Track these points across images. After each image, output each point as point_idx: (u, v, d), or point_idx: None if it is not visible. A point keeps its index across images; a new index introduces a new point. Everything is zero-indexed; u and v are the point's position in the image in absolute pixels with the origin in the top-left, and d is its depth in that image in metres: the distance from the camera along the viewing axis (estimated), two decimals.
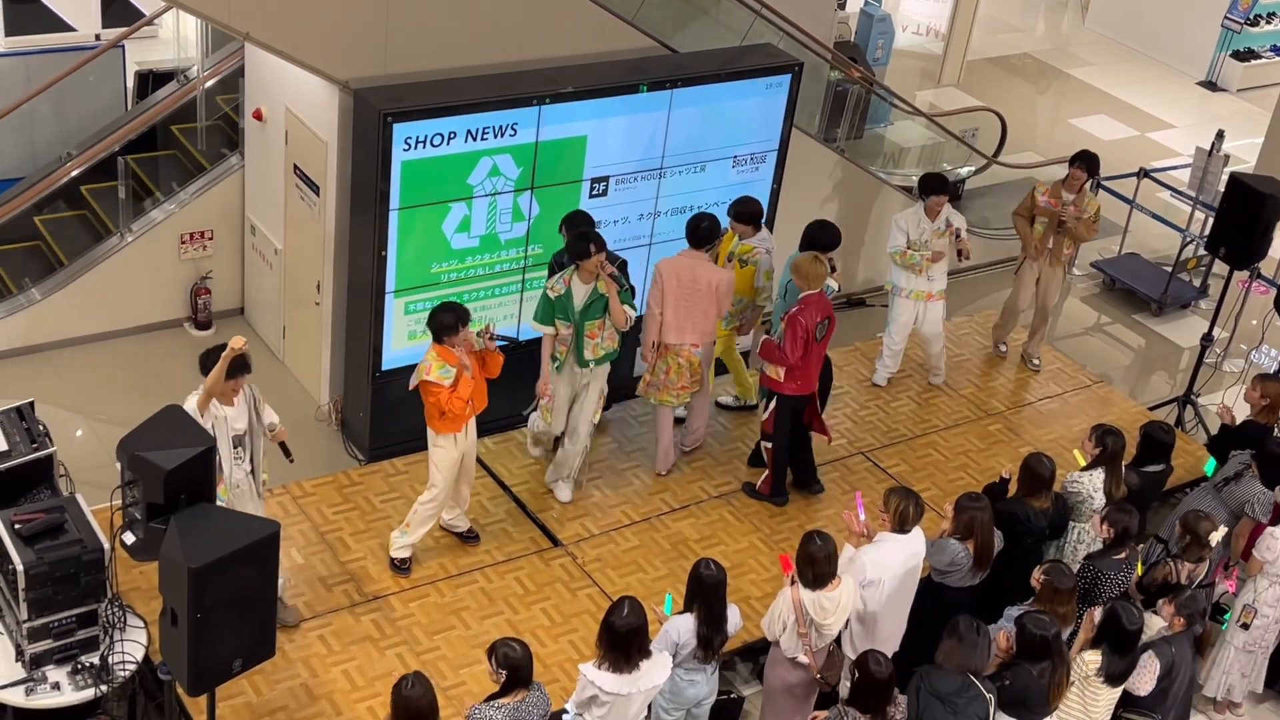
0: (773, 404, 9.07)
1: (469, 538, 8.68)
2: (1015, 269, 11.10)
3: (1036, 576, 7.46)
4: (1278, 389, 9.38)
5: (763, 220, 9.73)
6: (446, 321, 7.87)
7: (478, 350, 8.01)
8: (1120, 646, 7.24)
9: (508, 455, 9.48)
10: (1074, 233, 10.59)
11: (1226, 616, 8.71)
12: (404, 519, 8.43)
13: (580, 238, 8.58)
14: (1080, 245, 11.29)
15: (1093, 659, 7.25)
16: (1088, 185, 10.70)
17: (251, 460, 7.56)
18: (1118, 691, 7.42)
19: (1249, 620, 8.58)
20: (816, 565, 7.13)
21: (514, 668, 6.33)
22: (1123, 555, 7.96)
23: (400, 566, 8.41)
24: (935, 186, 10.20)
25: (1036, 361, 11.27)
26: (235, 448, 7.47)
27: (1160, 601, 7.77)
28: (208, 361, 7.39)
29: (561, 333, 8.73)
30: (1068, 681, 7.21)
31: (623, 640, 6.54)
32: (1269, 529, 8.47)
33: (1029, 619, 7.10)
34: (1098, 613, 7.41)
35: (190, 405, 7.21)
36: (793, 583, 7.26)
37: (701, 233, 9.09)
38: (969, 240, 10.40)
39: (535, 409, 9.14)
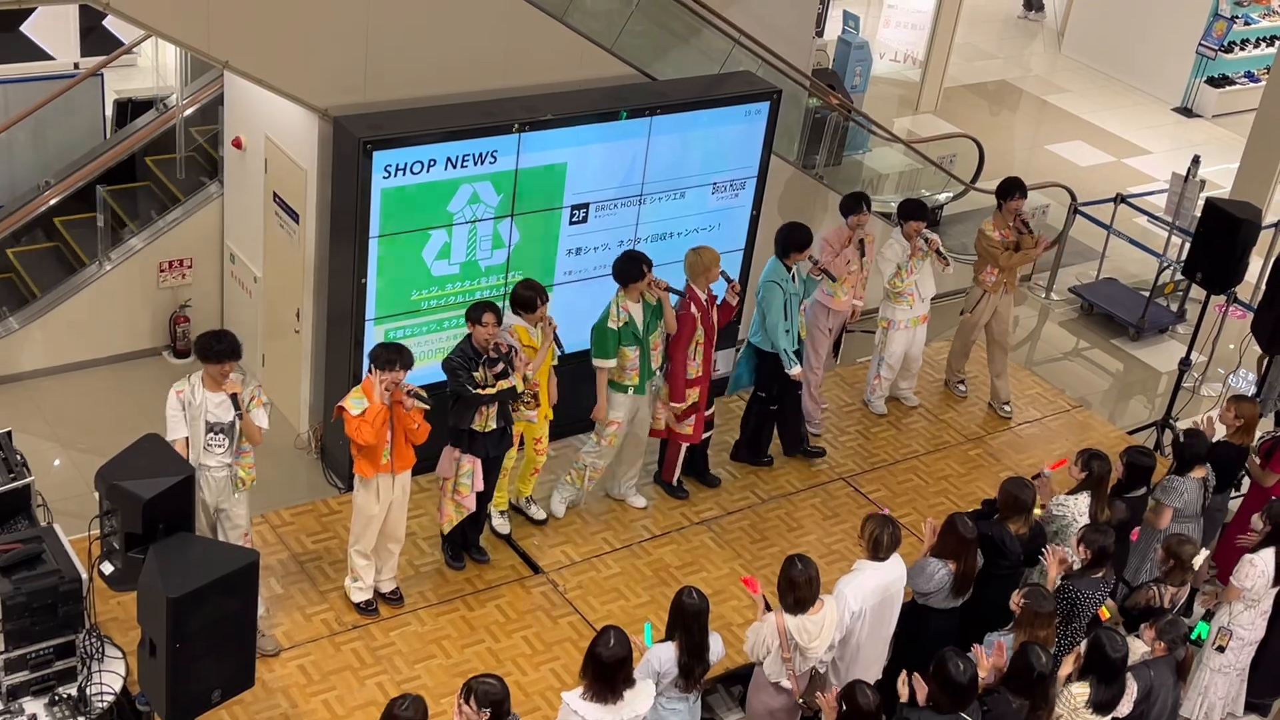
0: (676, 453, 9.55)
1: (392, 599, 8.46)
2: (969, 309, 10.89)
3: (1016, 601, 7.45)
4: (1252, 410, 9.43)
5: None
6: (375, 355, 7.76)
7: (385, 404, 7.73)
8: (1107, 676, 7.24)
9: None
10: (1032, 253, 10.68)
11: (1201, 631, 8.70)
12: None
13: (631, 260, 8.83)
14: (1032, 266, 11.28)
15: (1080, 692, 7.23)
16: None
17: (234, 455, 7.57)
18: (1106, 718, 7.42)
19: (1224, 643, 8.60)
20: (797, 590, 7.13)
21: (496, 703, 6.26)
22: (1100, 575, 7.98)
23: (366, 608, 8.36)
24: (912, 212, 10.31)
25: (1008, 407, 11.14)
26: (216, 434, 7.49)
27: (1143, 626, 7.79)
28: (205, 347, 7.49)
29: (630, 358, 8.87)
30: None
31: (609, 670, 6.51)
32: (1246, 556, 8.50)
33: (1031, 650, 7.06)
34: (1081, 648, 7.42)
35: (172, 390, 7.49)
36: (769, 608, 7.26)
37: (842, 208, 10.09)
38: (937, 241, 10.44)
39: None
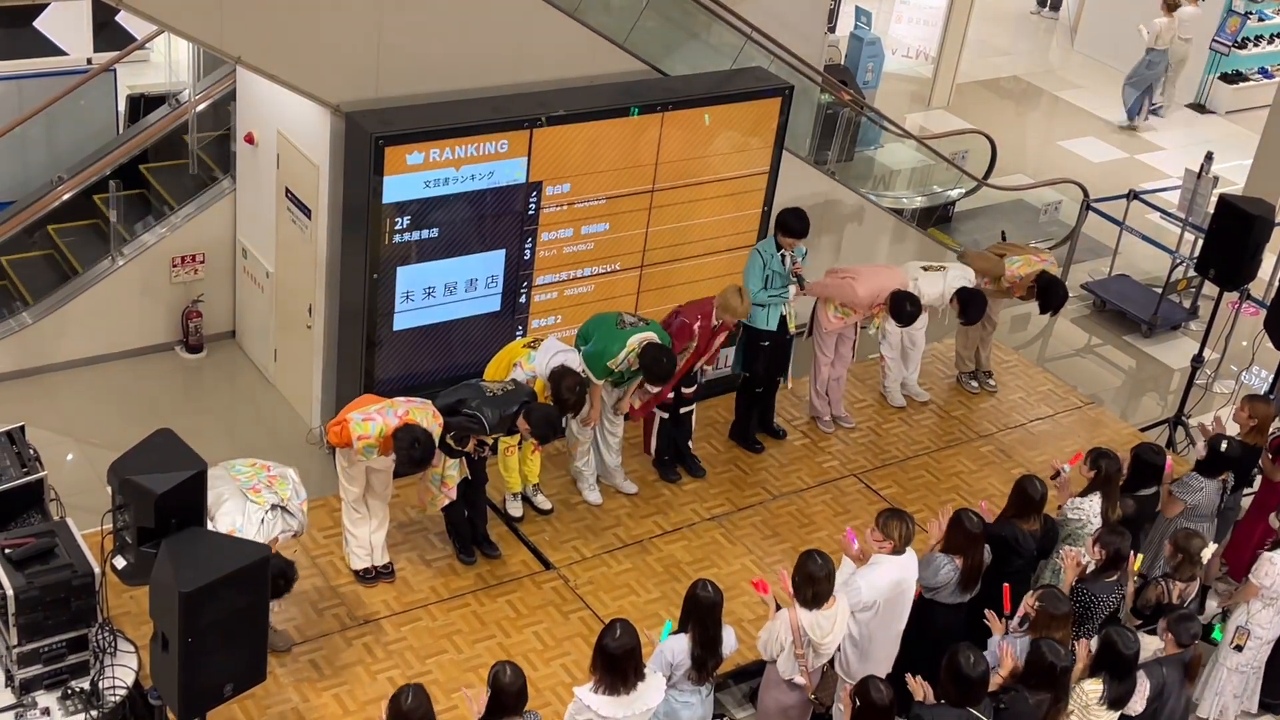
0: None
1: (383, 573, 8.55)
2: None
3: (1030, 604, 7.43)
4: (1266, 410, 9.40)
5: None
6: (407, 458, 7.82)
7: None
8: (1119, 672, 7.24)
9: (497, 478, 9.45)
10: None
11: (1216, 634, 8.70)
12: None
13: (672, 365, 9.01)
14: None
15: (1093, 688, 7.23)
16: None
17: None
18: (1117, 714, 7.41)
19: (1242, 642, 8.58)
20: (816, 584, 7.13)
21: (498, 690, 6.30)
22: (1114, 577, 7.97)
23: (365, 576, 8.44)
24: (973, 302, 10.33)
25: (993, 382, 11.28)
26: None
27: (1160, 623, 7.77)
28: None
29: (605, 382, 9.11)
30: (1065, 716, 7.20)
31: (618, 662, 6.52)
32: (1265, 554, 8.48)
33: (1046, 645, 7.06)
34: (1091, 643, 7.41)
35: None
36: (779, 607, 7.26)
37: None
38: None
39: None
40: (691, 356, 9.33)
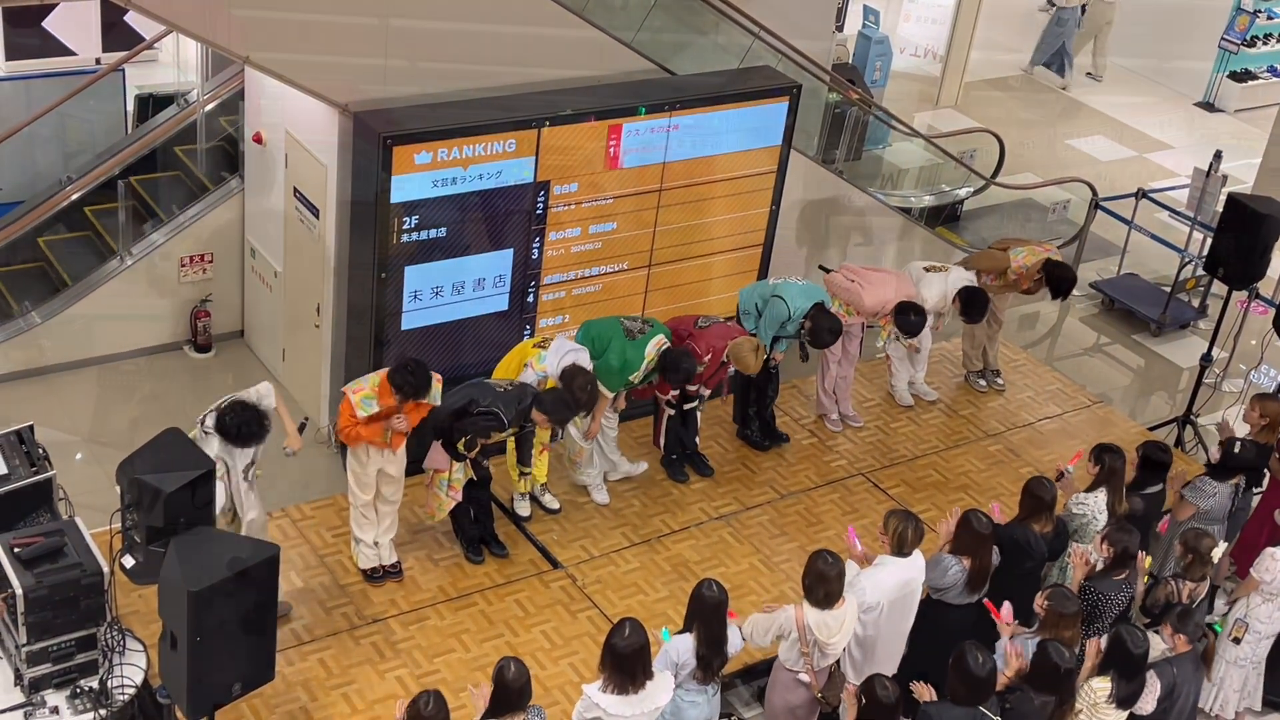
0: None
1: (391, 572, 8.57)
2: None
3: (1040, 603, 7.43)
4: (1277, 409, 9.38)
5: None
6: (402, 382, 7.91)
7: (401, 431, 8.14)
8: (1128, 671, 7.23)
9: (506, 477, 9.46)
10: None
11: (1217, 628, 8.69)
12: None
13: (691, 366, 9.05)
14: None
15: (1101, 687, 7.23)
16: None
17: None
18: (1125, 713, 7.41)
19: (1240, 635, 8.57)
20: (828, 583, 7.12)
21: (500, 686, 6.31)
22: (1123, 576, 7.95)
23: (373, 575, 8.47)
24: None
25: (1001, 381, 11.27)
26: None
27: (1162, 624, 7.76)
28: None
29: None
30: (1072, 717, 7.19)
31: (627, 661, 6.53)
32: (1268, 549, 8.47)
33: (1052, 646, 7.05)
34: (1102, 642, 7.41)
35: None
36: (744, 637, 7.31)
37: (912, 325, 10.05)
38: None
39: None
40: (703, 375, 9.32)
